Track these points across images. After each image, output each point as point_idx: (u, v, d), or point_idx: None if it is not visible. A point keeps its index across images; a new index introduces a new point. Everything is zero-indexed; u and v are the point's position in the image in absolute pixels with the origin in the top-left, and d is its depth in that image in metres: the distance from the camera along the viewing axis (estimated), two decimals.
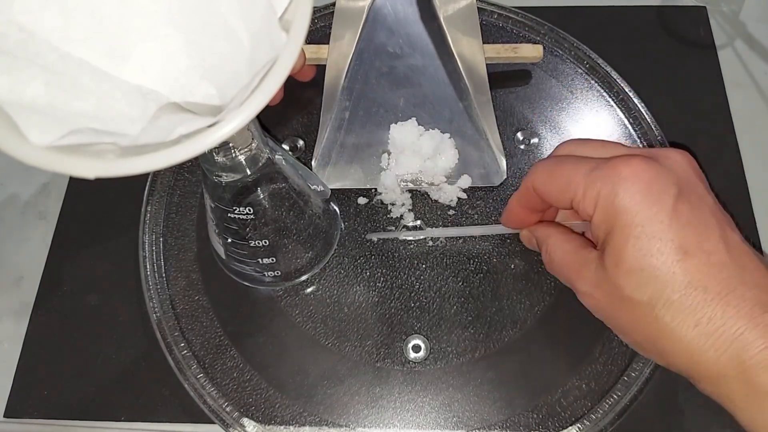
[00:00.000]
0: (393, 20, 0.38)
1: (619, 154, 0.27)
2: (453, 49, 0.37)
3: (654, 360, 0.28)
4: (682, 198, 0.25)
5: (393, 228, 0.38)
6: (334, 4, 0.43)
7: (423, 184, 0.39)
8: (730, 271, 0.24)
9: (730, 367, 0.24)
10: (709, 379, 0.25)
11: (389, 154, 0.39)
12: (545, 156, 0.40)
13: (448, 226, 0.38)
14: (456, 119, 0.39)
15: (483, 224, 0.38)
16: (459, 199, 0.39)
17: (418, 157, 0.38)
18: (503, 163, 0.39)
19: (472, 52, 0.40)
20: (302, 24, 0.20)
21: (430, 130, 0.39)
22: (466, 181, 0.39)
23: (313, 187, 0.34)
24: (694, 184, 0.26)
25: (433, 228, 0.38)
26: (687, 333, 0.24)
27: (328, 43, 0.41)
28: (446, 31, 0.37)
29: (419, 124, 0.39)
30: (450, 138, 0.39)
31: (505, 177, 0.39)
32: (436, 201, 0.39)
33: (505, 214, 0.34)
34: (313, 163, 0.39)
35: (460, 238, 0.38)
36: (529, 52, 0.42)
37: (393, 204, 0.39)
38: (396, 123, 0.39)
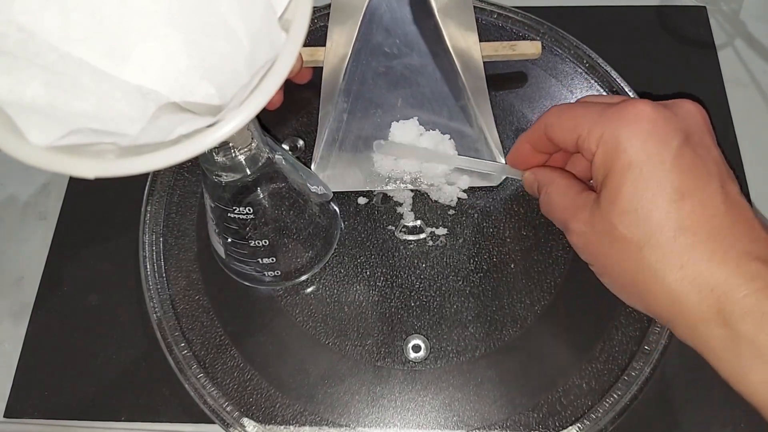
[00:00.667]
0: (389, 19, 0.38)
1: (630, 100, 0.27)
2: (449, 45, 0.37)
3: (636, 306, 0.28)
4: (687, 145, 0.25)
5: (393, 227, 0.38)
6: (330, 4, 0.43)
7: (423, 185, 0.39)
8: (723, 219, 0.24)
9: (711, 313, 0.24)
10: (688, 325, 0.25)
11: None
12: None
13: (460, 156, 0.38)
14: (454, 118, 0.39)
15: (488, 162, 0.38)
16: (459, 199, 0.39)
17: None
18: (502, 161, 0.39)
19: (469, 49, 0.40)
20: (302, 24, 0.20)
21: (431, 131, 0.39)
22: (465, 182, 0.39)
23: (313, 189, 0.34)
24: (701, 133, 0.26)
25: (446, 157, 0.37)
26: (671, 275, 0.24)
27: (324, 45, 0.41)
28: (442, 29, 0.37)
29: (420, 125, 0.39)
30: (450, 139, 0.39)
31: (504, 176, 0.39)
32: (436, 201, 0.39)
33: (512, 151, 0.34)
34: (312, 164, 0.39)
35: (460, 236, 0.38)
36: (528, 49, 0.42)
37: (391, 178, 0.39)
38: (398, 121, 0.39)
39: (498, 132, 0.40)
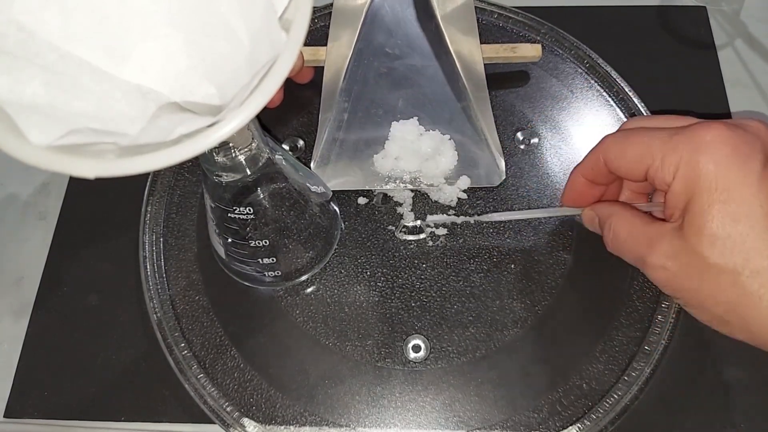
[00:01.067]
0: (391, 21, 0.38)
1: (697, 122, 0.26)
2: (451, 48, 0.37)
3: (737, 336, 0.26)
4: None
5: (393, 227, 0.38)
6: (332, 5, 0.43)
7: (422, 185, 0.39)
8: None
9: None
10: None
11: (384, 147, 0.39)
12: (545, 156, 0.40)
13: (499, 211, 0.37)
14: (455, 119, 0.39)
15: (541, 209, 0.38)
16: (459, 199, 0.39)
17: (417, 157, 0.38)
18: (502, 163, 0.39)
19: (470, 52, 0.40)
20: (302, 23, 0.20)
21: (431, 131, 0.39)
22: (465, 182, 0.39)
23: (314, 188, 0.34)
24: None
25: (492, 214, 0.37)
26: None
27: (326, 44, 0.41)
28: (444, 31, 0.37)
29: (420, 125, 0.39)
30: (450, 139, 0.39)
31: (504, 177, 0.39)
32: (436, 201, 0.39)
33: (567, 189, 0.33)
34: (312, 164, 0.39)
35: (460, 237, 0.38)
36: (528, 51, 0.42)
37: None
38: (398, 121, 0.39)
39: (498, 133, 0.40)
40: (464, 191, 0.39)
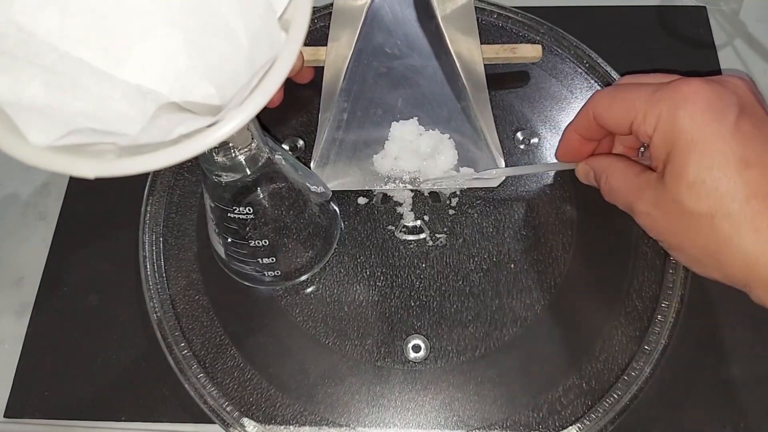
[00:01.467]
0: (391, 21, 0.38)
1: (678, 78, 0.28)
2: (451, 49, 0.37)
3: (711, 276, 0.28)
4: (744, 116, 0.26)
5: (393, 228, 0.38)
6: (332, 5, 0.43)
7: (422, 185, 0.39)
8: None
9: None
10: (764, 286, 0.26)
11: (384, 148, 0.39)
12: (545, 155, 0.40)
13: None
14: (454, 119, 0.39)
15: (538, 165, 0.39)
16: (459, 199, 0.39)
17: (416, 157, 0.38)
18: (502, 163, 0.39)
19: (470, 52, 0.40)
20: (302, 24, 0.20)
21: (430, 130, 0.39)
22: (468, 173, 0.39)
23: (313, 188, 0.34)
24: (754, 105, 0.27)
25: (492, 171, 0.38)
26: (745, 240, 0.25)
27: (326, 45, 0.41)
28: (444, 31, 0.37)
29: (419, 125, 0.39)
30: (450, 139, 0.39)
31: (503, 178, 0.39)
32: (436, 202, 0.39)
33: (561, 145, 0.35)
34: (311, 164, 0.39)
35: (460, 236, 0.38)
36: (528, 52, 0.42)
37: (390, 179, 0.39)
38: (397, 121, 0.39)
39: (498, 132, 0.40)
40: (464, 191, 0.39)
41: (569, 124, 0.33)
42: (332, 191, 0.37)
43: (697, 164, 0.26)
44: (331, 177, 0.39)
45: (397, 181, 0.39)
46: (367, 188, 0.39)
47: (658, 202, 0.28)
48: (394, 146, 0.39)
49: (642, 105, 0.28)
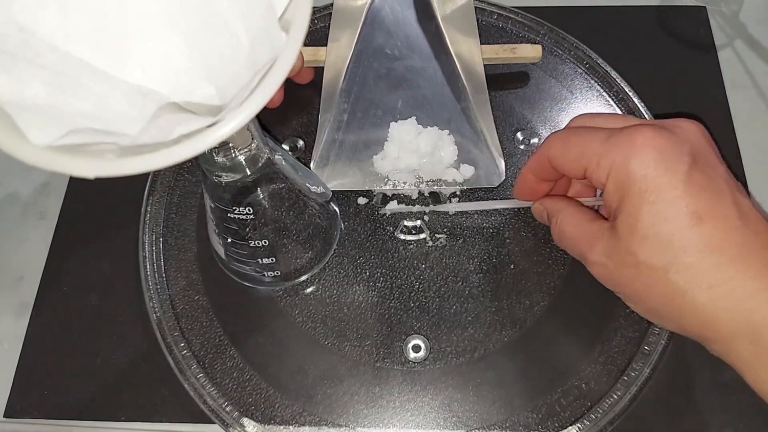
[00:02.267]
0: (391, 22, 0.38)
1: (632, 125, 0.28)
2: (451, 49, 0.37)
3: (667, 327, 0.28)
4: (696, 166, 0.26)
5: (392, 228, 0.38)
6: (332, 5, 0.43)
7: (421, 185, 0.39)
8: (744, 235, 0.25)
9: (741, 328, 0.24)
10: (720, 341, 0.25)
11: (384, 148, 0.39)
12: None
13: (463, 202, 0.39)
14: (454, 120, 0.39)
15: (495, 200, 0.39)
16: (459, 199, 0.39)
17: (416, 155, 0.38)
18: (501, 164, 0.39)
19: (470, 53, 0.40)
20: (302, 24, 0.20)
21: (429, 127, 0.39)
22: (468, 171, 0.39)
23: (313, 189, 0.34)
24: (706, 152, 0.27)
25: (448, 203, 0.38)
26: (700, 295, 0.25)
27: (326, 45, 0.41)
28: (444, 32, 0.37)
29: (418, 124, 0.39)
30: (449, 135, 0.39)
31: (503, 178, 0.39)
32: (436, 202, 0.39)
33: (517, 184, 0.35)
34: (311, 164, 0.39)
35: (460, 237, 0.38)
36: (528, 52, 0.42)
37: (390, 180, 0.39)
38: (396, 122, 0.39)
39: (498, 133, 0.40)
40: (463, 190, 0.39)
41: (525, 164, 0.33)
42: (332, 191, 0.37)
43: (651, 216, 0.25)
44: (331, 177, 0.39)
45: (396, 182, 0.39)
46: (367, 188, 0.39)
47: (612, 253, 0.27)
48: (393, 146, 0.39)
49: (595, 152, 0.27)
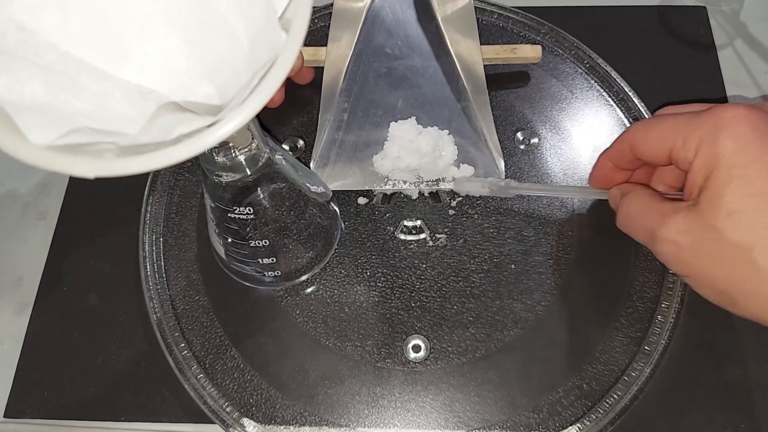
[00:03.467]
0: (391, 21, 0.38)
1: (718, 105, 0.27)
2: (451, 50, 0.37)
3: (746, 315, 0.26)
4: None
5: (392, 228, 0.38)
6: (332, 5, 0.43)
7: (422, 184, 0.39)
8: None
9: None
10: None
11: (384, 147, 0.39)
12: (545, 156, 0.40)
13: (533, 183, 0.38)
14: (454, 120, 0.39)
15: (567, 186, 0.38)
16: (460, 196, 0.39)
17: (417, 155, 0.38)
18: (501, 164, 0.39)
19: (470, 53, 0.40)
20: (302, 23, 0.20)
21: (429, 127, 0.39)
22: (468, 170, 0.39)
23: (313, 188, 0.34)
24: None
25: (509, 185, 0.37)
26: None
27: (326, 45, 0.41)
28: (444, 32, 0.37)
29: (418, 124, 0.39)
30: (449, 135, 0.39)
31: (503, 178, 0.39)
32: (436, 202, 0.39)
33: (594, 172, 0.34)
34: (311, 164, 0.39)
35: (460, 237, 0.38)
36: (528, 52, 0.42)
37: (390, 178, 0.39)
38: (396, 121, 0.39)
39: (498, 133, 0.40)
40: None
41: (604, 151, 0.32)
42: (332, 191, 0.37)
43: (738, 190, 0.24)
44: (332, 177, 0.39)
45: (397, 181, 0.39)
46: (367, 188, 0.39)
47: (688, 229, 0.26)
48: (393, 146, 0.38)
49: (681, 130, 0.27)
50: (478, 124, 0.38)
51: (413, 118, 0.39)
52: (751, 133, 0.25)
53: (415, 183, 0.39)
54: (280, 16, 0.20)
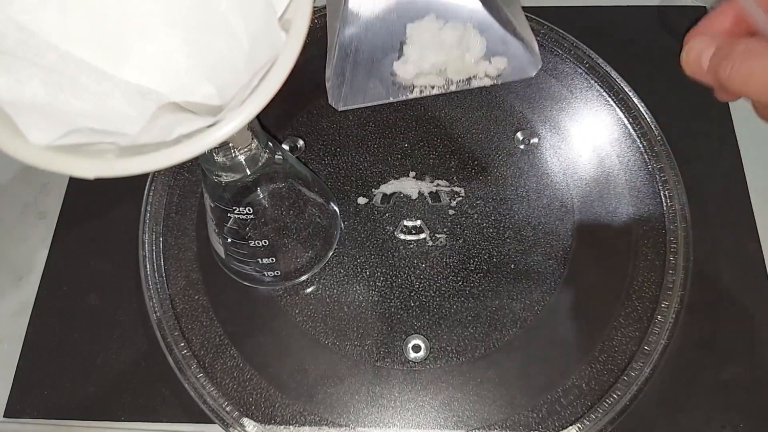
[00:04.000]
0: None
1: None
2: None
3: None
4: None
5: (392, 228, 0.38)
6: None
7: (452, 84, 0.36)
8: None
9: None
10: None
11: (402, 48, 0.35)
12: (545, 156, 0.40)
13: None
14: (475, 15, 0.35)
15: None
16: (460, 196, 0.39)
17: (441, 51, 0.35)
18: (536, 47, 0.35)
19: None
20: (302, 24, 0.20)
21: (450, 22, 0.35)
22: (501, 62, 0.35)
23: (312, 195, 0.34)
24: None
25: None
26: None
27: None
28: None
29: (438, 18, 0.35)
30: (473, 27, 0.35)
31: (540, 64, 0.36)
32: (436, 202, 0.39)
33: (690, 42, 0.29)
34: (327, 84, 0.36)
35: (460, 237, 0.38)
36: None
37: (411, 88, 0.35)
38: (412, 22, 0.35)
39: (498, 133, 0.40)
40: (498, 77, 0.36)
41: (696, 26, 0.28)
42: (332, 189, 0.37)
43: None
44: (350, 97, 0.36)
45: (422, 87, 0.36)
46: (392, 100, 0.36)
47: None
48: (414, 48, 0.35)
49: None
50: (503, 14, 0.35)
51: (431, 14, 0.35)
52: None
53: (444, 86, 0.36)
54: (281, 17, 0.20)
